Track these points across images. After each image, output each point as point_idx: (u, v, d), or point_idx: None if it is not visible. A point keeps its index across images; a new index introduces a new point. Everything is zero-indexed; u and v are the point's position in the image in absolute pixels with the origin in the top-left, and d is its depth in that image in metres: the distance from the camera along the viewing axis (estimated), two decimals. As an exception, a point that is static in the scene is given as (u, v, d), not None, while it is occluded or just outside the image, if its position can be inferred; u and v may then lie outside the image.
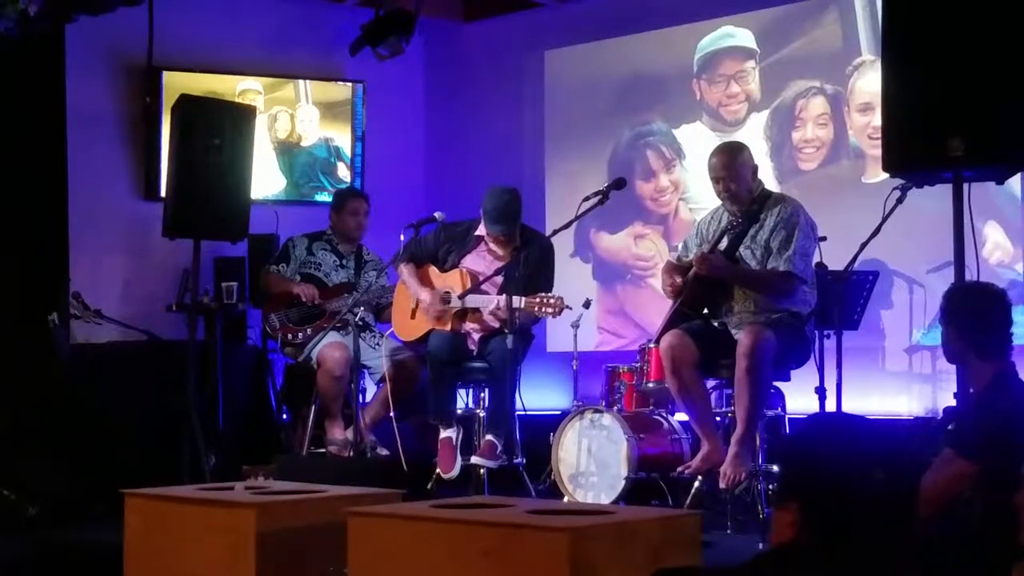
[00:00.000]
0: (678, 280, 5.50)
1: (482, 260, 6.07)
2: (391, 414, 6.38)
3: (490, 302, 5.82)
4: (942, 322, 3.93)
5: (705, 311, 5.52)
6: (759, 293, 5.37)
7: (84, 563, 4.98)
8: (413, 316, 6.16)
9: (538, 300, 5.58)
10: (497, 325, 5.86)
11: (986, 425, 3.60)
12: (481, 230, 6.05)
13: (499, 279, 5.89)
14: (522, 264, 5.83)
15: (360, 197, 7.06)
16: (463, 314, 6.01)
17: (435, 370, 5.94)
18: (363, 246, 6.96)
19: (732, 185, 5.44)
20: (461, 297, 5.90)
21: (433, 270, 6.18)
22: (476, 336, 6.02)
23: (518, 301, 5.60)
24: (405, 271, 6.21)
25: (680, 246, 5.86)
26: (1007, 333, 3.81)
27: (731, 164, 5.45)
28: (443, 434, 5.91)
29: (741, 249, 5.40)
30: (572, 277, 7.88)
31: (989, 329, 3.80)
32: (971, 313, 3.84)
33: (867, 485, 2.04)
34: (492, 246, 6.02)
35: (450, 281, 6.06)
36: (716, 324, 5.49)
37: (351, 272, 6.86)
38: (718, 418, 5.61)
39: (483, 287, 5.91)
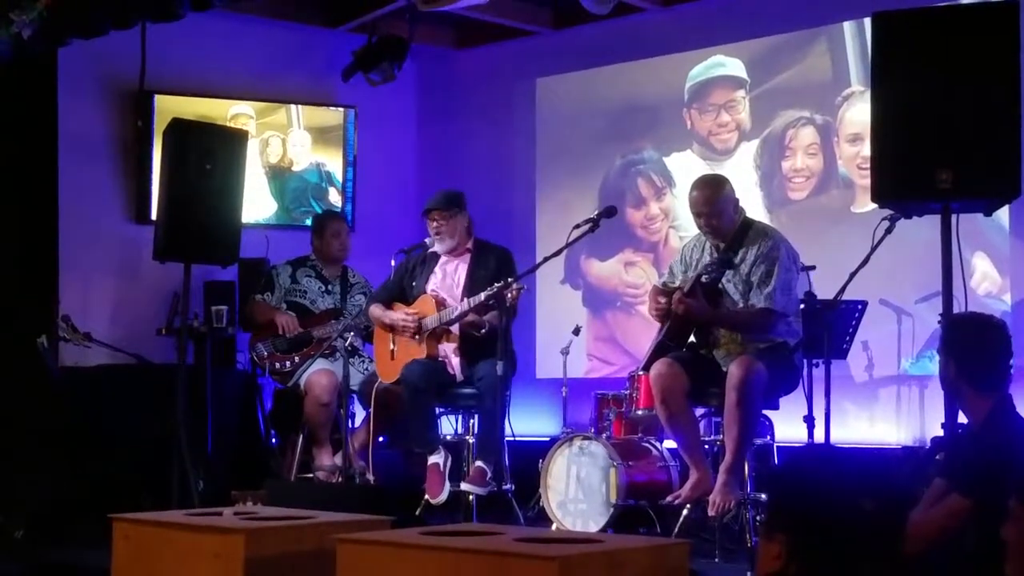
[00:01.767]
0: (663, 301, 5.51)
1: (443, 274, 6.16)
2: (379, 439, 6.37)
3: (448, 316, 5.91)
4: (940, 352, 3.91)
5: (692, 340, 5.53)
6: (740, 333, 5.38)
7: (71, 587, 4.97)
8: (393, 357, 6.17)
9: (497, 288, 5.55)
10: (475, 329, 5.88)
11: (984, 461, 3.58)
12: (433, 246, 6.15)
13: (462, 290, 5.99)
14: (480, 267, 5.99)
15: (339, 218, 7.09)
16: (438, 337, 6.03)
17: (411, 398, 5.95)
18: (348, 268, 6.97)
19: (714, 221, 5.45)
20: (453, 321, 5.93)
21: (400, 307, 6.22)
22: (455, 360, 6.03)
23: (478, 299, 5.66)
24: (375, 311, 6.26)
25: (666, 272, 5.88)
26: (1006, 365, 3.79)
27: (712, 199, 5.45)
28: (431, 460, 5.91)
29: (724, 282, 5.41)
30: (562, 304, 7.91)
31: (987, 361, 3.78)
32: (970, 345, 3.81)
33: (855, 517, 2.06)
34: (435, 237, 6.09)
35: (420, 309, 6.10)
36: (703, 352, 5.50)
37: (337, 297, 6.86)
38: (707, 446, 5.62)
39: (448, 301, 6.02)
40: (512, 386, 5.96)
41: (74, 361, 6.73)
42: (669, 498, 5.45)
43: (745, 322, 5.36)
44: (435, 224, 6.10)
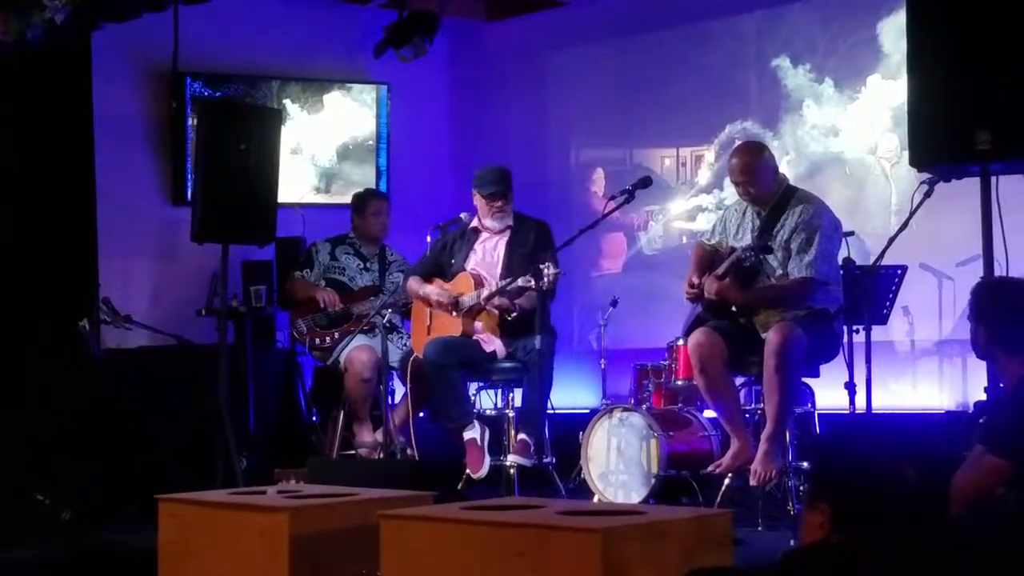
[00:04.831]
0: (696, 284, 5.48)
1: (483, 252, 6.13)
2: (420, 414, 6.40)
3: (482, 295, 5.89)
4: (970, 318, 3.90)
5: (733, 309, 5.50)
6: (779, 307, 5.33)
7: (118, 567, 5.01)
8: (429, 332, 6.17)
9: (532, 272, 5.53)
10: (506, 313, 5.87)
11: (1018, 421, 3.58)
12: (475, 222, 6.11)
13: (501, 267, 5.96)
14: (519, 244, 5.95)
15: (381, 197, 7.08)
16: (474, 315, 6.03)
17: (434, 374, 5.95)
18: (386, 246, 6.98)
19: (751, 189, 5.42)
20: (487, 299, 5.92)
21: (439, 282, 6.22)
22: (497, 340, 6.01)
23: (514, 283, 5.66)
24: (412, 284, 6.26)
25: (709, 230, 5.84)
26: None
27: (749, 167, 5.42)
28: (467, 435, 5.90)
29: (764, 250, 5.38)
30: (599, 275, 7.88)
31: (1015, 323, 3.76)
32: (998, 309, 3.80)
33: (898, 486, 2.05)
34: (487, 221, 6.07)
35: (458, 287, 6.09)
36: (743, 321, 5.47)
37: (376, 274, 6.87)
38: (748, 415, 5.61)
39: (486, 280, 6.00)
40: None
41: (116, 344, 6.79)
42: (710, 468, 5.44)
43: (782, 296, 5.32)
44: (499, 204, 6.05)
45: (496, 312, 5.96)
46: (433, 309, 6.16)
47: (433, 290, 6.12)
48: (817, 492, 2.14)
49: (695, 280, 5.48)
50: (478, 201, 6.14)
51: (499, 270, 6.03)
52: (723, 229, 5.64)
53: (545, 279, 5.46)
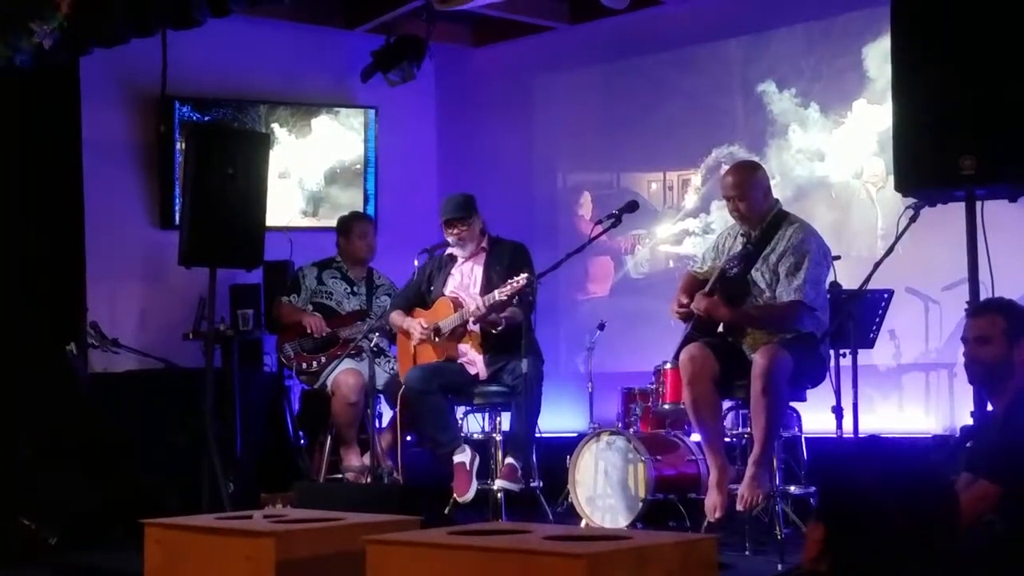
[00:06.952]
0: (684, 302, 5.49)
1: (460, 276, 6.17)
2: (407, 438, 6.39)
3: (466, 314, 5.90)
4: (1009, 335, 3.82)
5: (720, 329, 5.50)
6: (766, 328, 5.34)
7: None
8: (415, 361, 6.18)
9: (507, 286, 5.59)
10: (491, 327, 5.87)
11: (1012, 446, 3.58)
12: (452, 249, 6.16)
13: (479, 288, 5.97)
14: (495, 264, 5.98)
15: (366, 220, 7.11)
16: (458, 337, 6.03)
17: (416, 402, 5.95)
18: (373, 270, 6.99)
19: (741, 205, 5.43)
20: (477, 321, 5.92)
21: (420, 311, 6.23)
22: (479, 359, 6.02)
23: (488, 299, 5.67)
24: (395, 317, 6.27)
25: (699, 258, 5.86)
26: None
27: (741, 184, 5.45)
28: (456, 459, 5.90)
29: (753, 272, 5.38)
30: (586, 299, 7.89)
31: None
32: None
33: (883, 520, 2.05)
34: (453, 248, 6.12)
35: (438, 314, 6.10)
36: (731, 340, 5.46)
37: (363, 299, 6.87)
38: (735, 439, 5.61)
39: (465, 301, 6.01)
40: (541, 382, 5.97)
41: (103, 367, 6.78)
42: (709, 518, 5.30)
43: (771, 315, 5.33)
44: (456, 231, 6.10)
45: (478, 332, 5.97)
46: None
47: (415, 325, 6.12)
48: (818, 512, 2.16)
49: (683, 300, 5.48)
50: (444, 229, 6.17)
51: (477, 291, 6.04)
52: (715, 255, 5.64)
53: (517, 283, 5.49)
